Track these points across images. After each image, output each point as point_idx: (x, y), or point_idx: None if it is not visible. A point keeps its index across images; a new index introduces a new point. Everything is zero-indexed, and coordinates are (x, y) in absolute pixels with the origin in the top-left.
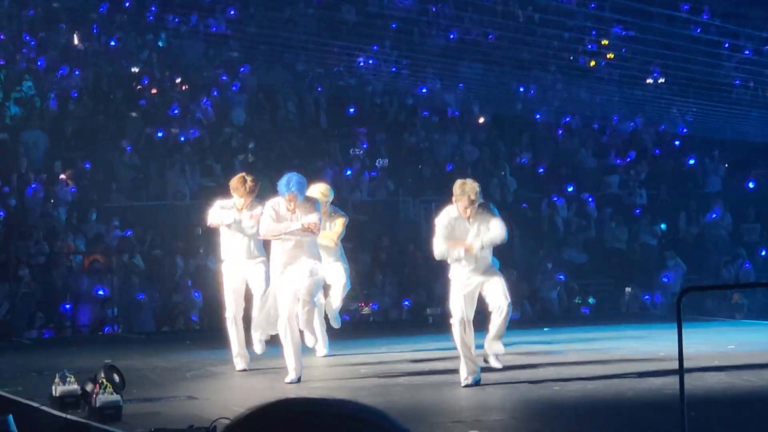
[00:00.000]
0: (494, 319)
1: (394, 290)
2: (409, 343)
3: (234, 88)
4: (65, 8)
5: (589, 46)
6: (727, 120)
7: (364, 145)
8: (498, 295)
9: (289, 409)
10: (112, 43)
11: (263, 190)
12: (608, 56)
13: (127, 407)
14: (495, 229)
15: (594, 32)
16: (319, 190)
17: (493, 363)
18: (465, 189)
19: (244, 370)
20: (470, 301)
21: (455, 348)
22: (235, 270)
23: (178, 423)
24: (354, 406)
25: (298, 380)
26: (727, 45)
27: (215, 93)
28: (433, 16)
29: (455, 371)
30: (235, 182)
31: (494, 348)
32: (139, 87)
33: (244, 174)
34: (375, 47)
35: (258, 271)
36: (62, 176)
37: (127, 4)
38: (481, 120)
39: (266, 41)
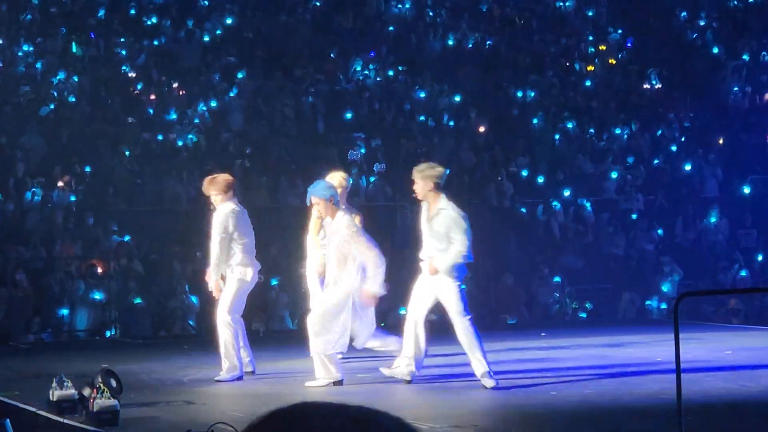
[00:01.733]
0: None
1: (391, 295)
2: None
3: (231, 93)
4: (63, 13)
5: (588, 51)
6: (724, 125)
7: (362, 150)
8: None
9: (307, 412)
10: (110, 48)
11: (259, 196)
12: (610, 61)
13: (125, 412)
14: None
15: (591, 37)
16: (340, 176)
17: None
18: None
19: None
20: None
21: (451, 354)
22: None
23: (176, 427)
24: (372, 411)
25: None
26: (724, 50)
27: (212, 98)
28: (431, 21)
29: (453, 376)
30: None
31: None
32: (136, 92)
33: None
34: (372, 53)
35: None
36: (60, 182)
37: (132, 12)
38: (482, 129)
39: (263, 46)
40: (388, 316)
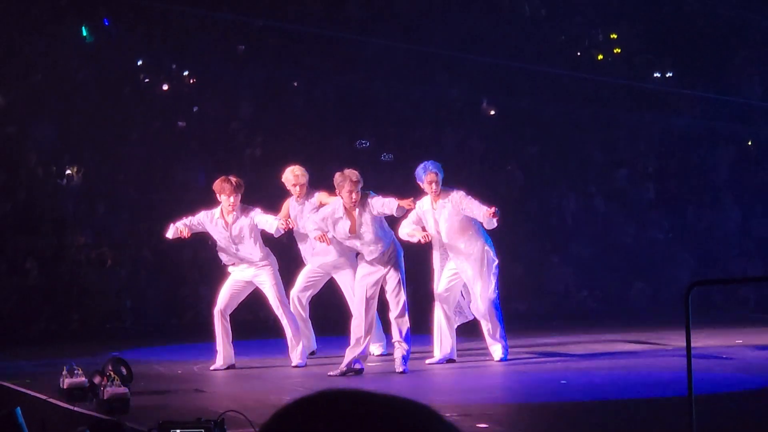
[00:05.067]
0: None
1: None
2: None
3: (241, 81)
4: (74, 1)
5: (597, 39)
6: (736, 113)
7: (372, 139)
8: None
9: (334, 400)
10: (120, 36)
11: (270, 185)
12: (615, 51)
13: (135, 400)
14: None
15: (601, 26)
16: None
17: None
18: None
19: (217, 369)
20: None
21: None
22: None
23: (186, 416)
24: (399, 399)
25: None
26: (736, 36)
27: (223, 86)
28: (440, 9)
29: (458, 364)
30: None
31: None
32: (146, 80)
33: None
34: (382, 40)
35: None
36: (70, 170)
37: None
38: (492, 112)
39: (274, 34)
40: None
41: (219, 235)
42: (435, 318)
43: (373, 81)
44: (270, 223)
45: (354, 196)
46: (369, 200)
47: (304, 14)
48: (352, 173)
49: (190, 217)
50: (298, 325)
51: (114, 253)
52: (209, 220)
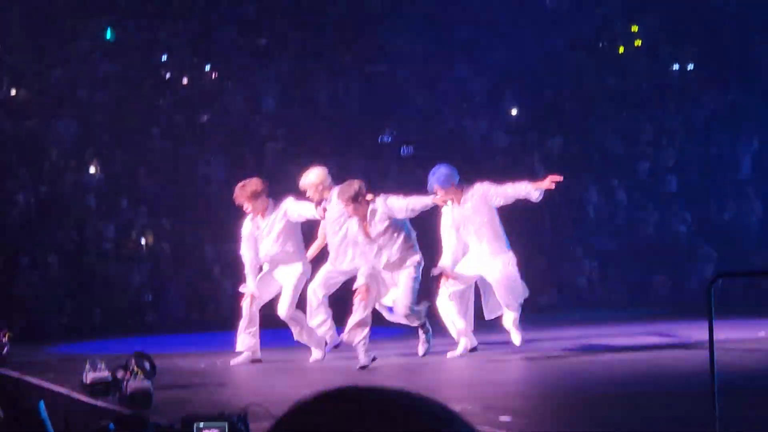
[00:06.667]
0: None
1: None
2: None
3: (264, 75)
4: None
5: (618, 32)
6: (759, 105)
7: (394, 133)
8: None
9: (358, 395)
10: (142, 32)
11: (292, 179)
12: (636, 43)
13: (158, 394)
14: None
15: (622, 18)
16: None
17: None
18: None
19: (238, 357)
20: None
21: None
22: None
23: (209, 410)
24: (420, 398)
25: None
26: (757, 28)
27: (245, 80)
28: (462, 1)
29: (480, 356)
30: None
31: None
32: (168, 75)
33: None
34: (403, 33)
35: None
36: (92, 164)
37: None
38: (514, 112)
39: (296, 28)
40: None
41: (256, 234)
42: (447, 314)
43: (396, 74)
44: (308, 209)
45: (350, 211)
46: (383, 202)
47: (326, 7)
48: (340, 190)
49: (243, 257)
50: (305, 324)
51: (136, 248)
52: (247, 223)
